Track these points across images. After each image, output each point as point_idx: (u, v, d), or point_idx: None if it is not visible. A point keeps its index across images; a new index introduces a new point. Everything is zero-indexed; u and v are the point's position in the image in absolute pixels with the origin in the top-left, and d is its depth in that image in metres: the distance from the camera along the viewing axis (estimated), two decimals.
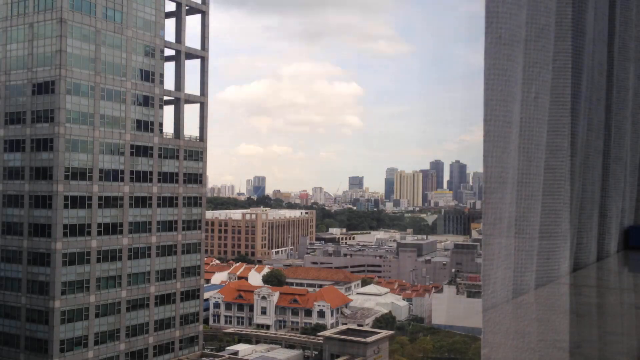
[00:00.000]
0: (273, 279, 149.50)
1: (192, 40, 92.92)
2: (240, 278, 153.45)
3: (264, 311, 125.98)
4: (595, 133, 5.05)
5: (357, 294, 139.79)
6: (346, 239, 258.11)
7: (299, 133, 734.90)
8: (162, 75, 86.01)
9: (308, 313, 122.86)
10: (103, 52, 78.21)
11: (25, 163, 75.64)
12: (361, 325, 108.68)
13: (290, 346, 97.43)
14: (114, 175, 79.15)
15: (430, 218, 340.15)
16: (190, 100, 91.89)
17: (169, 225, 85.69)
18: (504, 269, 3.88)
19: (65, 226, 73.35)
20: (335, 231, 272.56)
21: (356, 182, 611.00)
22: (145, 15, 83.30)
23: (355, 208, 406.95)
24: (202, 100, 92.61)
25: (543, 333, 3.20)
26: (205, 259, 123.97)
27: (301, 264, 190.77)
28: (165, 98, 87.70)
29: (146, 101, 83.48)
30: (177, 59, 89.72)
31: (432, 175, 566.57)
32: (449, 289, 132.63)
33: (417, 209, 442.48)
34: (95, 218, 76.37)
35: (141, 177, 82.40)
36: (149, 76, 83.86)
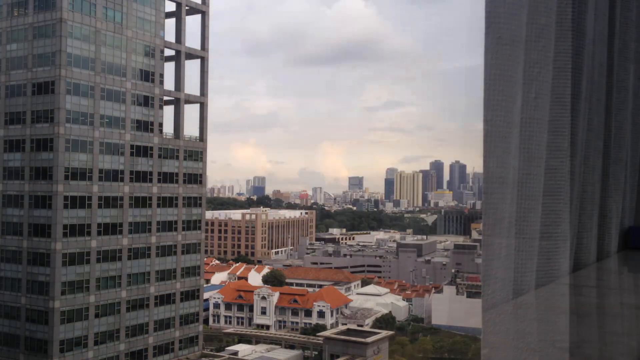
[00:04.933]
0: (273, 279, 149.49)
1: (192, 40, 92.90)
2: (240, 278, 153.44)
3: (263, 311, 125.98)
4: (595, 133, 5.05)
5: (357, 294, 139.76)
6: (346, 239, 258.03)
7: None
8: (162, 75, 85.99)
9: (308, 313, 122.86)
10: (103, 52, 78.19)
11: (25, 163, 75.63)
12: (361, 326, 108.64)
13: (290, 346, 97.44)
14: (114, 175, 79.14)
15: (430, 218, 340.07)
16: (190, 100, 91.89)
17: (169, 226, 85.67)
18: (504, 269, 3.88)
19: (65, 226, 73.33)
20: (335, 231, 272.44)
21: (356, 182, 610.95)
22: (145, 15, 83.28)
23: (355, 208, 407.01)
24: (202, 101, 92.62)
25: (543, 333, 3.20)
26: (205, 259, 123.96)
27: (301, 264, 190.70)
28: (165, 98, 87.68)
29: (146, 101, 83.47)
30: (177, 59, 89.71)
31: (432, 175, 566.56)
32: (448, 289, 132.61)
33: (417, 209, 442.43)
34: (95, 218, 76.36)
35: (141, 177, 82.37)
36: (149, 76, 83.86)
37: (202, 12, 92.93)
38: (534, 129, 4.12)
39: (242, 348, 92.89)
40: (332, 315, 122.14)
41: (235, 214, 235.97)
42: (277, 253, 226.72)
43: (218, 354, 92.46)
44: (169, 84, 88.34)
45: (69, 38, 74.71)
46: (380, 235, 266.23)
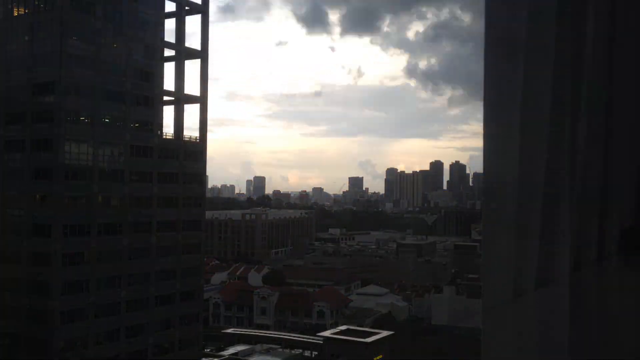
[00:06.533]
0: (273, 279, 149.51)
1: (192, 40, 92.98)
2: (240, 278, 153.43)
3: (263, 311, 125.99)
4: (595, 133, 5.05)
5: (357, 294, 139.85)
6: (346, 239, 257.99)
7: None
8: (162, 76, 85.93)
9: (308, 313, 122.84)
10: (103, 52, 78.12)
11: (25, 163, 75.54)
12: (361, 326, 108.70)
13: (290, 346, 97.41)
14: (114, 175, 79.06)
15: (430, 218, 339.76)
16: (190, 100, 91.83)
17: (169, 225, 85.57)
18: (504, 269, 3.88)
19: (65, 226, 73.25)
20: (335, 231, 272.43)
21: (356, 182, 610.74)
22: (145, 15, 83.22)
23: (355, 208, 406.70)
24: (202, 100, 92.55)
25: (543, 334, 3.20)
26: (205, 259, 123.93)
27: (301, 264, 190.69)
28: (165, 98, 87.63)
29: (146, 101, 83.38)
30: (177, 59, 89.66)
31: (432, 175, 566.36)
32: (448, 289, 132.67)
33: (417, 209, 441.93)
34: (95, 218, 76.27)
35: (141, 177, 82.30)
36: (149, 76, 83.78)
37: (202, 12, 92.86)
38: (534, 129, 4.12)
39: (242, 348, 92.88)
40: (332, 315, 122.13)
41: (235, 214, 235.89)
42: (277, 253, 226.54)
43: (218, 354, 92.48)
44: (169, 84, 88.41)
45: (69, 38, 74.65)
46: (380, 235, 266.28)
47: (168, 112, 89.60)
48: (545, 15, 4.12)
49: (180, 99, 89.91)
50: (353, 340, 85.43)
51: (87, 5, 76.63)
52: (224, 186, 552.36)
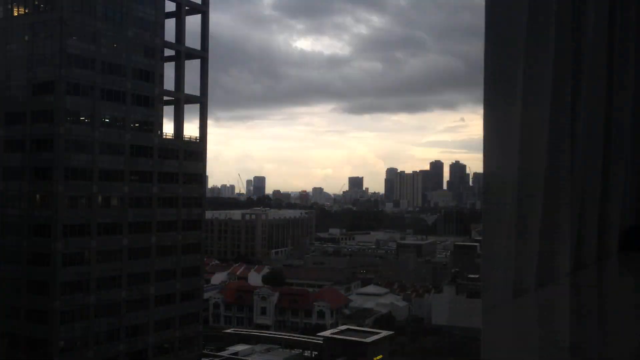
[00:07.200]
0: (273, 279, 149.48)
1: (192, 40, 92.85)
2: (240, 278, 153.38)
3: (263, 311, 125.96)
4: (595, 133, 5.05)
5: (357, 294, 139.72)
6: (346, 239, 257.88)
7: None
8: (162, 76, 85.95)
9: (308, 313, 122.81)
10: (103, 52, 78.15)
11: (25, 163, 75.57)
12: (361, 326, 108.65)
13: (290, 346, 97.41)
14: (114, 175, 79.08)
15: (430, 218, 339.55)
16: (190, 100, 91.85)
17: (169, 225, 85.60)
18: (504, 269, 3.88)
19: (65, 226, 73.28)
20: (335, 231, 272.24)
21: (356, 182, 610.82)
22: (145, 15, 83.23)
23: (355, 208, 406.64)
24: (202, 100, 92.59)
25: (543, 333, 3.20)
26: (205, 259, 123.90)
27: (301, 264, 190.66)
28: (165, 98, 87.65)
29: (146, 101, 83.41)
30: (177, 59, 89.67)
31: (432, 175, 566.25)
32: (449, 289, 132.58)
33: (417, 209, 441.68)
34: (95, 218, 76.30)
35: (141, 177, 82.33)
36: (149, 76, 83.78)
37: (202, 12, 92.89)
38: (534, 129, 4.12)
39: (241, 348, 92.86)
40: (332, 315, 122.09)
41: (235, 214, 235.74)
42: (277, 253, 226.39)
43: (218, 354, 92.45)
44: (169, 84, 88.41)
45: (69, 38, 74.67)
46: (380, 235, 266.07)
47: (168, 112, 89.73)
48: (545, 15, 4.12)
49: (180, 99, 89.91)
50: (353, 340, 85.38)
51: (87, 5, 76.65)
52: (224, 186, 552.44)
